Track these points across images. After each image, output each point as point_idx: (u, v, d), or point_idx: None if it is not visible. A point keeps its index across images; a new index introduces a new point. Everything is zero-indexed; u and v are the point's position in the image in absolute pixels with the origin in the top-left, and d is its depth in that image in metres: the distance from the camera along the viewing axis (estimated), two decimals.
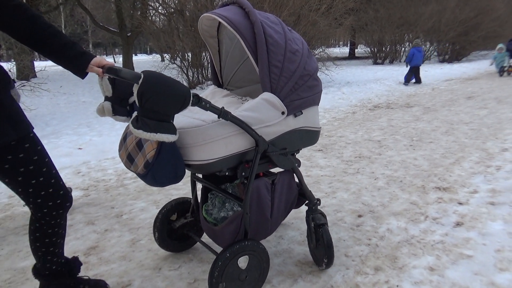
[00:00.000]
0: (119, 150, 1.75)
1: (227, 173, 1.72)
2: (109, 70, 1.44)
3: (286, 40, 1.75)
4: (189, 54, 9.64)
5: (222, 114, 1.54)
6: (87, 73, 1.50)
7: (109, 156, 4.34)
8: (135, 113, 1.40)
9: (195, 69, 9.57)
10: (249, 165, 1.72)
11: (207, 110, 1.51)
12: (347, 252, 2.19)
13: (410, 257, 2.12)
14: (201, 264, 2.13)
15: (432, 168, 3.61)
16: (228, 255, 1.67)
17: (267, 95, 1.69)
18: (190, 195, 2.25)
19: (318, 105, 1.95)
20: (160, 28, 11.05)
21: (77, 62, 1.46)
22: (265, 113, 1.69)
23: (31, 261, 2.24)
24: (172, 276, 2.03)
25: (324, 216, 2.05)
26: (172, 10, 10.11)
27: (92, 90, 10.05)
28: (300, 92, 1.80)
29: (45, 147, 1.56)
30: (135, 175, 3.68)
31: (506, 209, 2.66)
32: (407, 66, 10.39)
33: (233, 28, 1.64)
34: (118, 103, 1.65)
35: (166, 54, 11.52)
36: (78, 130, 5.53)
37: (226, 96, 2.12)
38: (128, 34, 15.28)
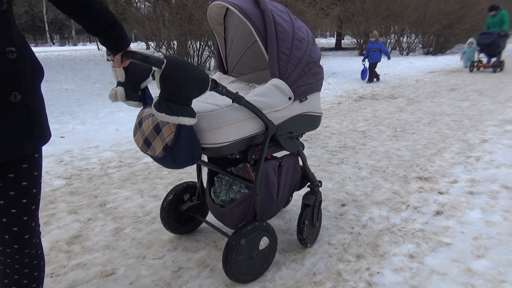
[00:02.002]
0: (134, 135, 1.78)
1: (238, 156, 1.78)
2: (131, 54, 1.43)
3: (293, 28, 1.82)
4: (175, 42, 9.51)
5: (237, 99, 1.59)
6: None
7: (92, 145, 4.28)
8: (155, 97, 1.42)
9: (181, 58, 9.46)
10: (258, 148, 1.79)
11: (222, 95, 1.56)
12: (330, 240, 2.23)
13: (391, 245, 2.17)
14: (185, 253, 2.14)
15: (414, 158, 3.68)
16: (264, 224, 1.82)
17: (276, 81, 1.76)
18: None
19: (320, 91, 2.03)
20: (145, 15, 10.86)
21: (120, 42, 1.41)
22: (274, 98, 1.76)
23: None
24: (156, 265, 2.04)
25: (317, 199, 2.13)
26: None
27: (75, 77, 9.85)
28: (306, 78, 1.88)
29: None
30: (119, 164, 3.65)
31: (484, 199, 2.74)
32: (363, 61, 9.26)
33: (245, 16, 1.69)
34: (131, 89, 1.67)
35: (151, 42, 11.36)
36: (60, 118, 5.42)
37: (232, 82, 2.20)
38: None
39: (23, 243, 1.25)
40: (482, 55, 10.54)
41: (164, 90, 1.37)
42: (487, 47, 10.04)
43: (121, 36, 1.39)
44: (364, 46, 17.92)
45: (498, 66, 10.33)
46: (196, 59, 9.63)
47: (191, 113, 1.45)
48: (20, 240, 1.24)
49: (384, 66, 12.05)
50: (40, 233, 1.33)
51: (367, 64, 9.16)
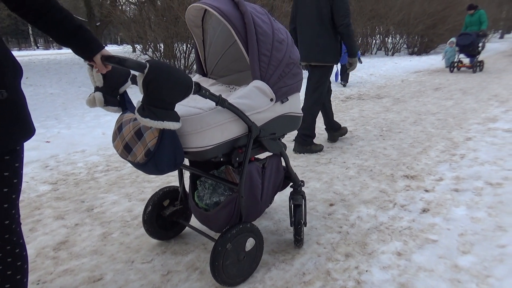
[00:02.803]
0: (113, 140, 1.74)
1: (221, 159, 1.77)
2: (112, 59, 1.40)
3: (273, 30, 1.83)
4: (161, 44, 9.46)
5: (220, 101, 1.59)
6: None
7: (78, 149, 4.23)
8: (138, 102, 1.39)
9: (168, 60, 9.42)
10: (242, 150, 1.78)
11: (206, 98, 1.55)
12: (319, 240, 2.24)
13: (379, 243, 2.20)
14: (174, 256, 2.13)
15: (401, 157, 3.73)
16: (248, 226, 1.82)
17: (258, 82, 1.76)
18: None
19: (300, 92, 2.04)
20: (130, 17, 10.77)
21: (90, 47, 1.41)
22: (256, 100, 1.76)
23: None
24: (145, 269, 2.02)
25: (304, 198, 2.15)
26: None
27: (60, 81, 9.71)
28: (286, 79, 1.89)
29: None
30: (106, 168, 3.62)
31: (469, 195, 2.79)
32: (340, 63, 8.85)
33: (225, 18, 1.68)
34: (109, 94, 1.64)
35: (137, 45, 11.28)
36: (45, 123, 5.34)
37: (213, 85, 2.18)
38: (97, 24, 14.81)
39: (4, 228, 1.29)
40: (462, 55, 10.69)
41: (148, 94, 1.35)
42: (466, 48, 10.14)
43: (91, 39, 1.39)
44: None
45: (478, 66, 10.51)
46: (183, 61, 9.59)
47: (176, 117, 1.44)
48: (1, 225, 1.28)
49: (370, 67, 12.18)
50: (20, 223, 1.36)
51: (339, 65, 9.05)
